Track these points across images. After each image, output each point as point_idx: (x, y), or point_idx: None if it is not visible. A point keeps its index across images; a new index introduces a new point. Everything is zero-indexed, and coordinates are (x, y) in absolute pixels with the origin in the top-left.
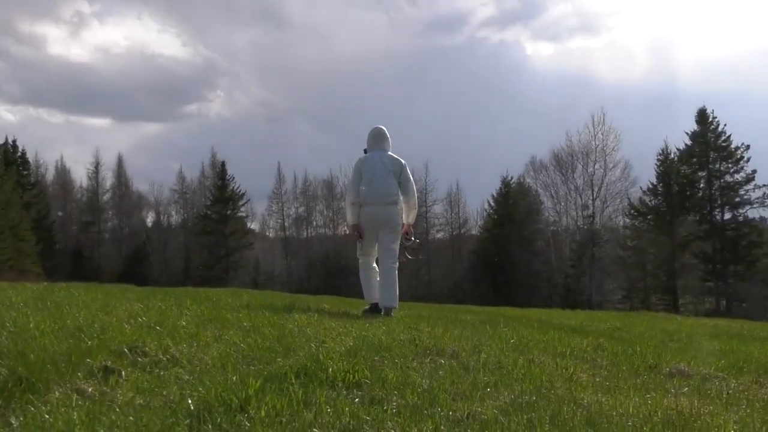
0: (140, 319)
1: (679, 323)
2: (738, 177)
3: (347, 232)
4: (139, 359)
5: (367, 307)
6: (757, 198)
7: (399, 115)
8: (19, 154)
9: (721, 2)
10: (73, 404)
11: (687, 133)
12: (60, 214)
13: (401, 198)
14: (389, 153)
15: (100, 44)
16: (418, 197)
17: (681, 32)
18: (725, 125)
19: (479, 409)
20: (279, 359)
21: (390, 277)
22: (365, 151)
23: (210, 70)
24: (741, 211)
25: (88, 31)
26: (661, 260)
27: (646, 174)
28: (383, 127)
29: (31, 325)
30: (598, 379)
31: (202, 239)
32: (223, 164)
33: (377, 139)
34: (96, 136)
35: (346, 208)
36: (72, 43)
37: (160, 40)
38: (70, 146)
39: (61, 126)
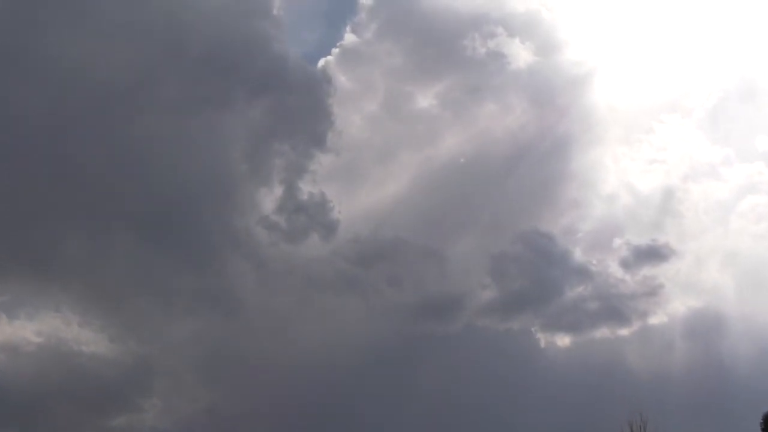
0: None
1: None
2: None
3: None
4: None
5: None
6: None
7: (382, 417)
8: None
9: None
10: None
11: None
12: None
13: None
14: None
15: (7, 342)
16: None
17: (730, 309)
18: None
19: None
20: None
21: None
22: None
23: (143, 372)
24: None
25: None
26: None
27: None
28: None
29: None
30: None
31: None
32: None
33: None
34: None
35: None
36: None
37: (81, 336)
38: None
39: None
